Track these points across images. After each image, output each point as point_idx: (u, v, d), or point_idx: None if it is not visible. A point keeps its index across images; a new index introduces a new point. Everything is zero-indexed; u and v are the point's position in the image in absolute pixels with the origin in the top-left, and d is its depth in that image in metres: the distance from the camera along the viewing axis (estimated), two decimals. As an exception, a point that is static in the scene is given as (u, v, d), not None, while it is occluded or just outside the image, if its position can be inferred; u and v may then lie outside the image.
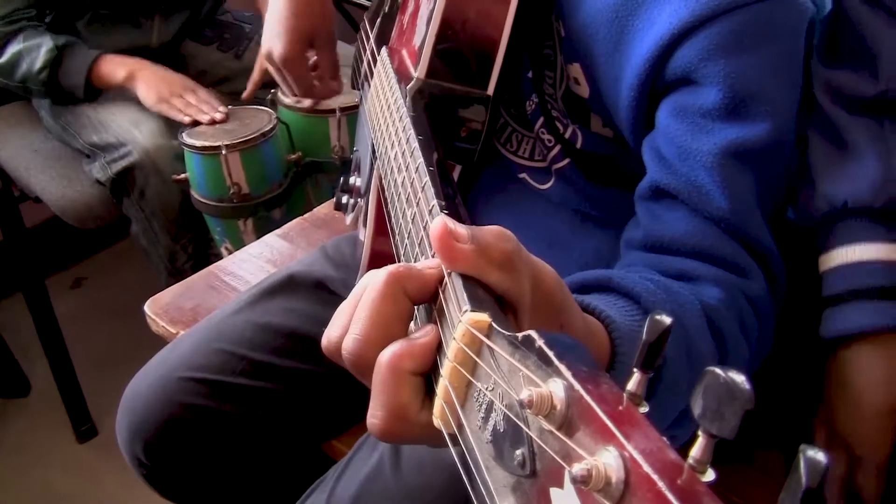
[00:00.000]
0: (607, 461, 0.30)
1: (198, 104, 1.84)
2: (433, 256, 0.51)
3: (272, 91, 1.87)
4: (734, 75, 0.71)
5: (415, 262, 0.57)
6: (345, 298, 0.52)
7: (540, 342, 0.36)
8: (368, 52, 1.08)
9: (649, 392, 0.35)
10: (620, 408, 0.32)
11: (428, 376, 0.48)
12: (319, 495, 0.96)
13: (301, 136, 1.84)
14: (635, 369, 0.34)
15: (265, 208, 1.80)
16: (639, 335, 0.59)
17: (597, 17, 0.79)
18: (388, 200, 0.72)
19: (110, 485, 2.03)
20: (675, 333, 0.35)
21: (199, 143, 1.72)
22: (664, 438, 0.31)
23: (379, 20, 1.09)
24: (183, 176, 1.79)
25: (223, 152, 1.69)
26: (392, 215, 0.69)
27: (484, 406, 0.40)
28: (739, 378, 0.30)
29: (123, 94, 1.92)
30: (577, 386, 0.33)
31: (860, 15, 0.79)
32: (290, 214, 1.77)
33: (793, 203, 0.86)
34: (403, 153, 0.70)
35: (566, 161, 0.89)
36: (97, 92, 1.91)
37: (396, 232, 0.66)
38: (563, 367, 0.34)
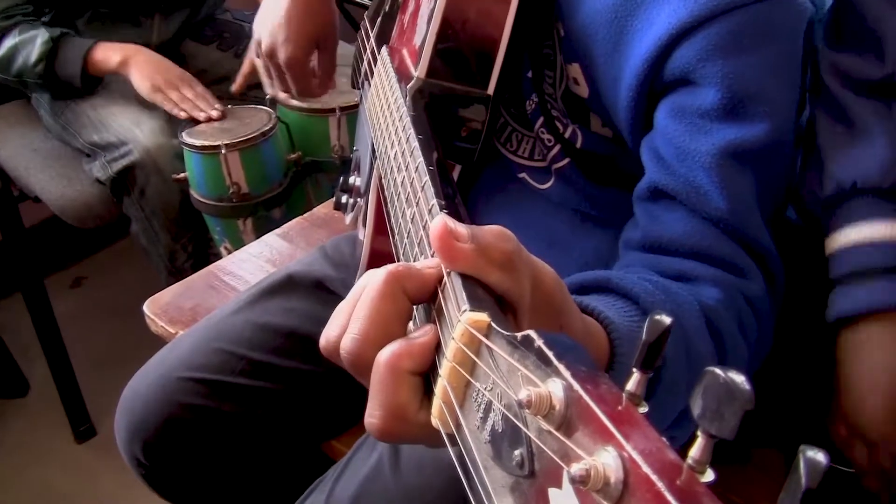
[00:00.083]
0: (606, 461, 0.30)
1: (194, 99, 1.84)
2: (433, 256, 0.50)
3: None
4: (732, 76, 0.71)
5: (414, 261, 0.57)
6: (344, 298, 0.52)
7: (539, 342, 0.36)
8: (369, 51, 1.08)
9: (648, 393, 0.34)
10: (619, 408, 0.32)
11: (426, 376, 0.47)
12: (318, 495, 0.96)
13: (301, 136, 1.84)
14: (635, 369, 0.34)
15: (265, 208, 1.80)
16: (638, 336, 0.59)
17: (596, 18, 0.78)
18: (388, 200, 0.72)
19: (109, 485, 2.02)
20: (674, 334, 0.34)
21: (198, 143, 1.72)
22: (663, 439, 0.30)
23: (379, 19, 1.09)
24: (183, 175, 1.78)
25: (223, 152, 1.69)
26: (391, 215, 0.69)
27: (482, 406, 0.40)
28: (739, 378, 0.30)
29: (124, 92, 1.91)
30: (576, 386, 0.33)
31: None
32: (289, 214, 1.77)
33: (793, 201, 0.86)
34: (403, 153, 0.70)
35: (566, 161, 0.89)
36: (95, 81, 1.91)
37: (396, 231, 0.66)
38: (562, 367, 0.34)
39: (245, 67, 1.93)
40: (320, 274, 1.16)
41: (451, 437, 0.44)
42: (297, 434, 1.12)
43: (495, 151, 0.94)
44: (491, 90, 0.83)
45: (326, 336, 0.52)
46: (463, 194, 0.94)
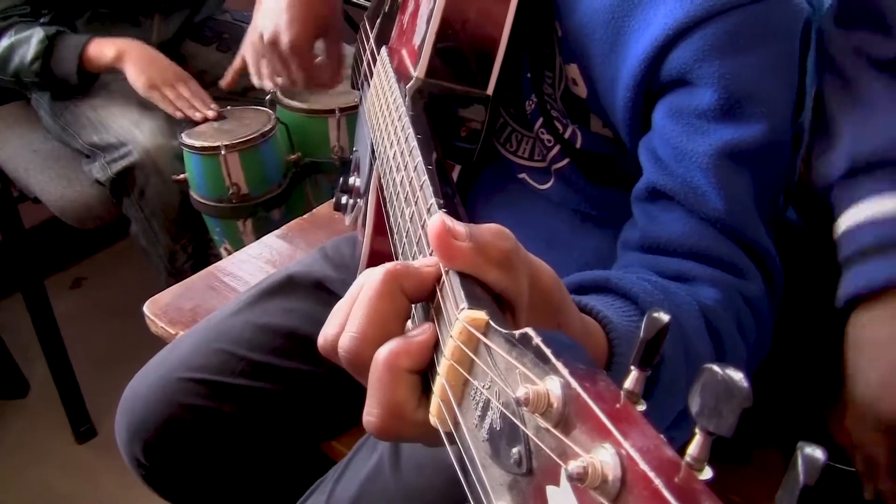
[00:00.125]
0: (604, 459, 0.29)
1: (190, 98, 1.83)
2: (431, 254, 0.50)
3: (271, 91, 1.87)
4: (729, 76, 0.71)
5: (413, 260, 0.57)
6: (343, 298, 0.52)
7: (537, 340, 0.36)
8: (368, 51, 1.08)
9: (646, 393, 0.34)
10: (618, 405, 0.32)
11: (425, 374, 0.47)
12: (319, 496, 0.96)
13: (300, 137, 1.84)
14: (633, 367, 0.34)
15: (264, 209, 1.80)
16: (636, 335, 0.59)
17: (593, 18, 0.78)
18: (387, 199, 0.72)
19: (109, 485, 2.02)
20: (673, 334, 0.35)
21: (198, 144, 1.72)
22: (661, 436, 0.30)
23: (379, 20, 1.09)
24: (182, 176, 1.78)
25: (222, 152, 1.69)
26: (391, 214, 0.69)
27: (481, 404, 0.40)
28: (737, 375, 0.29)
29: (124, 93, 1.91)
30: (574, 383, 0.33)
31: None
32: (289, 215, 1.77)
33: (794, 202, 0.85)
34: (402, 152, 0.70)
35: (566, 161, 0.88)
36: (91, 78, 1.90)
37: (395, 231, 0.66)
38: (560, 365, 0.34)
39: (237, 63, 1.91)
40: (320, 275, 1.16)
41: (450, 435, 0.44)
42: (297, 435, 1.12)
43: (495, 152, 0.94)
44: (490, 90, 0.83)
45: (324, 335, 0.52)
46: (462, 194, 0.94)
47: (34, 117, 2.04)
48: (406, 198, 0.63)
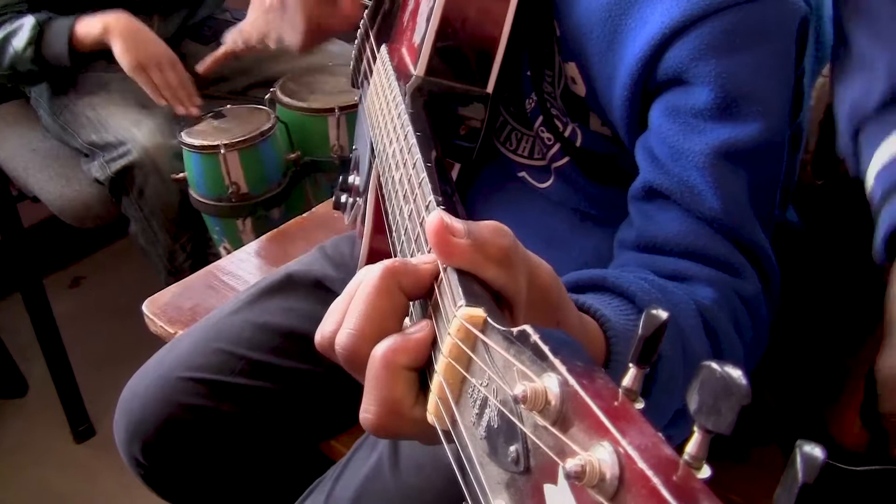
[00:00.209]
0: (601, 457, 0.29)
1: (176, 87, 1.82)
2: (429, 252, 0.50)
3: (271, 90, 1.86)
4: (725, 75, 0.71)
5: (411, 257, 0.57)
6: (341, 295, 0.52)
7: (535, 337, 0.36)
8: (368, 49, 1.08)
9: (644, 392, 0.34)
10: (616, 403, 0.32)
11: (422, 372, 0.47)
12: (318, 496, 0.96)
13: (300, 136, 1.84)
14: (631, 364, 0.34)
15: (264, 208, 1.80)
16: (634, 334, 0.59)
17: (590, 17, 0.78)
18: (386, 197, 0.72)
19: (108, 485, 2.02)
20: (671, 332, 0.34)
21: (197, 143, 1.72)
22: (660, 434, 0.30)
23: (379, 18, 1.09)
24: (182, 175, 1.78)
25: (222, 151, 1.69)
26: (389, 212, 0.69)
27: (478, 402, 0.40)
28: (736, 373, 0.29)
29: (123, 92, 1.91)
30: (572, 381, 0.33)
31: None
32: (288, 214, 1.77)
33: (794, 202, 0.85)
34: (401, 149, 0.70)
35: (565, 159, 0.88)
36: (84, 58, 1.87)
37: (393, 228, 0.66)
38: (557, 362, 0.34)
39: (219, 51, 1.89)
40: (320, 273, 1.16)
41: (447, 433, 0.43)
42: (297, 434, 1.12)
43: (494, 150, 0.94)
44: (490, 88, 0.83)
45: (321, 332, 0.52)
46: (462, 193, 0.94)
47: (33, 116, 2.04)
48: (405, 195, 0.63)
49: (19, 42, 1.80)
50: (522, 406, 0.34)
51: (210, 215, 1.82)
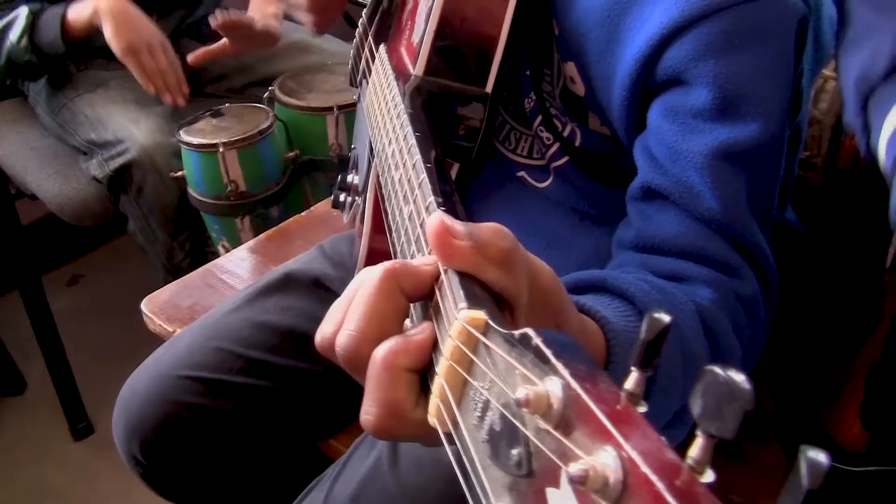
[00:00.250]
0: (605, 461, 0.29)
1: (166, 71, 1.80)
2: (429, 253, 0.50)
3: (270, 88, 1.86)
4: (724, 75, 0.71)
5: (411, 258, 0.57)
6: (341, 296, 0.52)
7: (537, 340, 0.36)
8: (367, 49, 1.08)
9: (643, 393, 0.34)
10: (618, 407, 0.32)
11: (423, 374, 0.47)
12: (317, 494, 0.96)
13: (299, 134, 1.84)
14: (633, 368, 0.34)
15: (263, 206, 1.80)
16: (633, 336, 0.58)
17: (589, 17, 0.78)
18: (385, 197, 0.72)
19: (106, 483, 2.02)
20: (671, 334, 0.34)
21: (196, 141, 1.71)
22: (663, 438, 0.30)
23: (377, 17, 1.08)
24: (180, 173, 1.78)
25: (220, 150, 1.69)
26: (389, 212, 0.69)
27: (480, 405, 0.40)
28: (739, 378, 0.29)
29: (121, 91, 1.91)
30: (575, 385, 0.33)
31: None
32: (287, 212, 1.77)
33: (794, 203, 0.85)
34: (401, 150, 0.70)
35: (565, 159, 0.88)
36: (79, 46, 1.86)
37: (393, 229, 0.66)
38: (560, 366, 0.34)
39: (214, 46, 1.87)
40: (319, 272, 1.16)
41: (449, 435, 0.43)
42: (296, 432, 1.12)
43: (493, 150, 0.94)
44: (489, 88, 0.82)
45: (321, 332, 0.52)
46: (461, 192, 0.94)
47: (31, 114, 2.03)
48: (404, 196, 0.63)
49: (14, 34, 1.79)
50: (525, 409, 0.34)
51: (209, 214, 1.82)
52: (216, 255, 1.83)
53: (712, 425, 0.30)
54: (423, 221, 0.56)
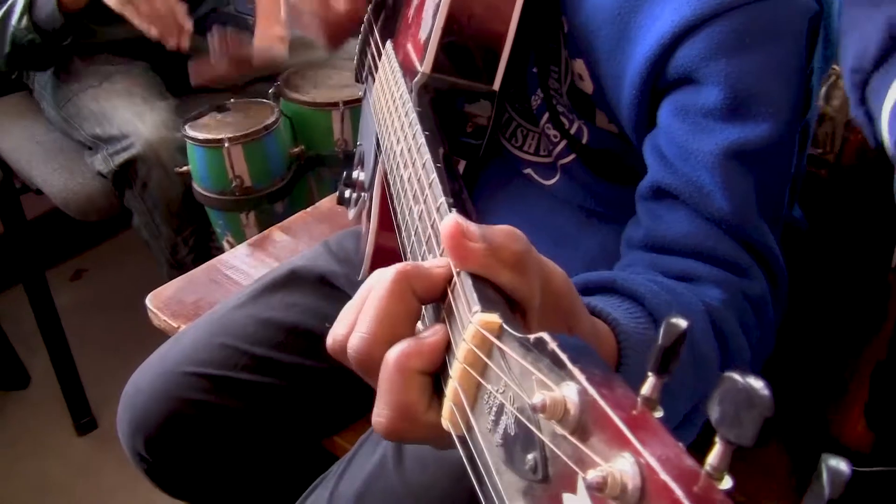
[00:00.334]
0: (623, 468, 0.29)
1: (166, 13, 1.77)
2: (441, 254, 0.50)
3: (275, 84, 1.86)
4: (735, 75, 0.70)
5: (422, 259, 0.57)
6: (348, 294, 0.52)
7: (553, 345, 0.36)
8: (372, 45, 1.08)
9: None
10: (634, 412, 0.32)
11: (436, 376, 0.47)
12: (322, 492, 0.96)
13: (304, 130, 1.84)
14: (650, 373, 0.34)
15: (268, 201, 1.80)
16: (644, 337, 0.58)
17: (599, 14, 0.78)
18: (395, 196, 0.71)
19: (109, 478, 2.02)
20: None
21: (201, 136, 1.72)
22: (680, 444, 0.30)
23: (383, 13, 1.08)
24: (185, 168, 1.78)
25: (226, 145, 1.69)
26: (398, 211, 0.69)
27: (494, 408, 0.40)
28: (758, 384, 0.29)
29: (127, 85, 1.91)
30: (592, 390, 0.33)
31: None
32: (292, 208, 1.77)
33: (799, 199, 0.84)
34: (410, 149, 0.69)
35: (571, 156, 0.88)
36: (78, 18, 1.83)
37: (403, 228, 0.66)
38: (576, 371, 0.34)
39: (217, 71, 1.88)
40: (324, 269, 1.16)
41: (462, 439, 0.43)
42: (300, 430, 1.12)
43: (500, 147, 0.94)
44: (497, 86, 0.82)
45: (333, 335, 0.52)
46: (467, 190, 0.94)
47: (37, 108, 2.03)
48: (414, 195, 0.63)
49: (15, 16, 1.79)
50: (541, 415, 0.33)
51: (213, 209, 1.82)
52: (220, 250, 1.83)
53: (731, 432, 0.30)
54: (433, 222, 0.56)
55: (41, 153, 1.95)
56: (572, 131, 0.87)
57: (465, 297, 0.45)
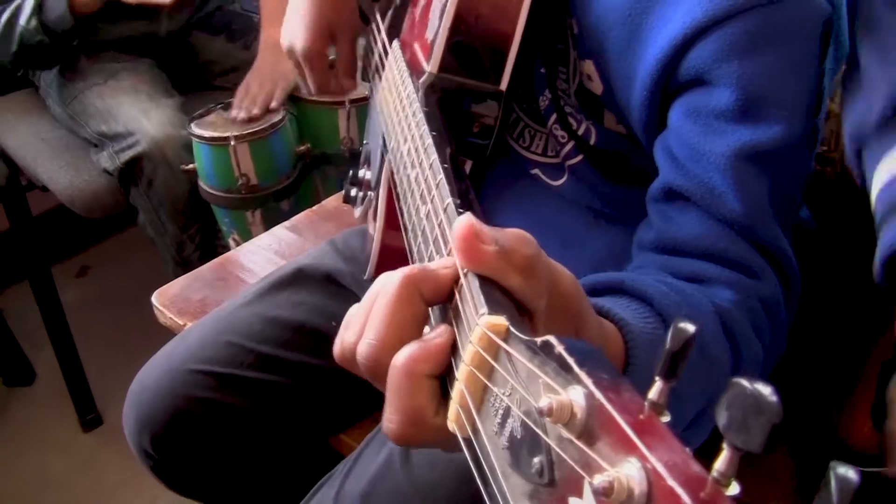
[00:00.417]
0: (629, 473, 0.29)
1: None
2: (448, 254, 0.50)
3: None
4: (748, 76, 0.70)
5: (428, 259, 0.57)
6: (354, 292, 0.52)
7: (560, 348, 0.36)
8: (379, 44, 1.08)
9: None
10: (642, 417, 0.32)
11: (443, 379, 0.47)
12: (328, 491, 0.96)
13: (310, 128, 1.84)
14: (657, 377, 0.34)
15: (274, 200, 1.80)
16: (652, 337, 0.58)
17: (610, 15, 0.78)
18: (401, 196, 0.71)
19: (114, 474, 2.03)
20: None
21: (207, 134, 1.72)
22: (687, 450, 0.30)
23: (390, 12, 1.08)
24: (191, 166, 1.78)
25: (232, 143, 1.69)
26: (405, 211, 0.69)
27: (500, 411, 0.39)
28: (766, 390, 0.29)
29: (133, 83, 1.91)
30: (598, 394, 0.33)
31: None
32: (298, 206, 1.77)
33: (808, 200, 0.84)
34: (417, 149, 0.69)
35: (579, 157, 0.88)
36: (88, 21, 1.84)
37: (409, 228, 0.66)
38: (583, 375, 0.34)
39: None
40: (330, 267, 1.16)
41: (468, 441, 0.43)
42: (306, 428, 1.12)
43: (507, 147, 0.94)
44: (504, 86, 0.82)
45: (342, 342, 0.52)
46: (474, 190, 0.94)
47: (43, 105, 2.04)
48: (421, 195, 0.63)
49: (24, 17, 1.79)
50: (547, 418, 0.33)
51: (219, 207, 1.82)
52: (226, 248, 1.84)
53: (738, 438, 0.29)
54: (440, 222, 0.56)
55: (47, 150, 1.96)
56: (580, 132, 0.87)
57: (472, 299, 0.45)
